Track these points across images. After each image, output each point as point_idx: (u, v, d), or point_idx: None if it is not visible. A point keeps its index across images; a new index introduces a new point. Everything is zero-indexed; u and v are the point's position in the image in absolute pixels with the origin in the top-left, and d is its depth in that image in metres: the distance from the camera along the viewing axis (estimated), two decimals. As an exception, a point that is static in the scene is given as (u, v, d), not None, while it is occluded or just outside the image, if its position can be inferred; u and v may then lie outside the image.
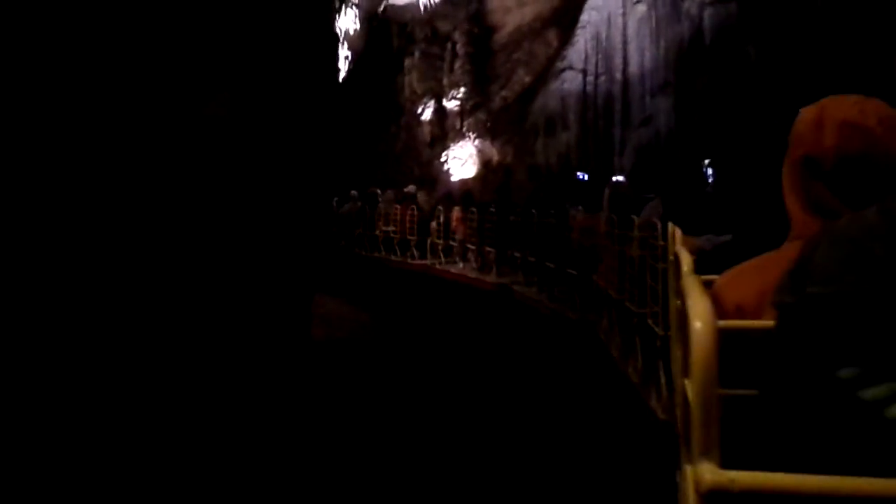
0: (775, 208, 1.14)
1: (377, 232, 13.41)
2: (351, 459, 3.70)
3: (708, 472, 0.65)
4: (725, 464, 0.69)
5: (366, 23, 19.79)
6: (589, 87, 15.34)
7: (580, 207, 6.75)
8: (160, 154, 3.18)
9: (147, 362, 3.05)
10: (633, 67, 14.64)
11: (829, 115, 1.03)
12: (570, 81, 15.65)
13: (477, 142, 17.50)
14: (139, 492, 2.84)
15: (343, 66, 21.74)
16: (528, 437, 5.09)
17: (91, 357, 2.87)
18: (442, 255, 11.62)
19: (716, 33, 12.26)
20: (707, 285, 1.09)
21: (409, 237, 12.36)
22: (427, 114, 18.80)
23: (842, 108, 1.03)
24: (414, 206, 12.88)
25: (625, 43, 14.78)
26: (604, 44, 15.16)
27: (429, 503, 3.30)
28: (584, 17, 15.50)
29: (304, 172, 4.23)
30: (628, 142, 14.38)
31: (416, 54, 18.99)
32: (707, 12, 12.50)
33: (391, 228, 13.03)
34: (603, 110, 15.08)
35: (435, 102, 18.60)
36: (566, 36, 16.10)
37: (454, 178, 17.46)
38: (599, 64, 15.31)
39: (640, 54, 14.39)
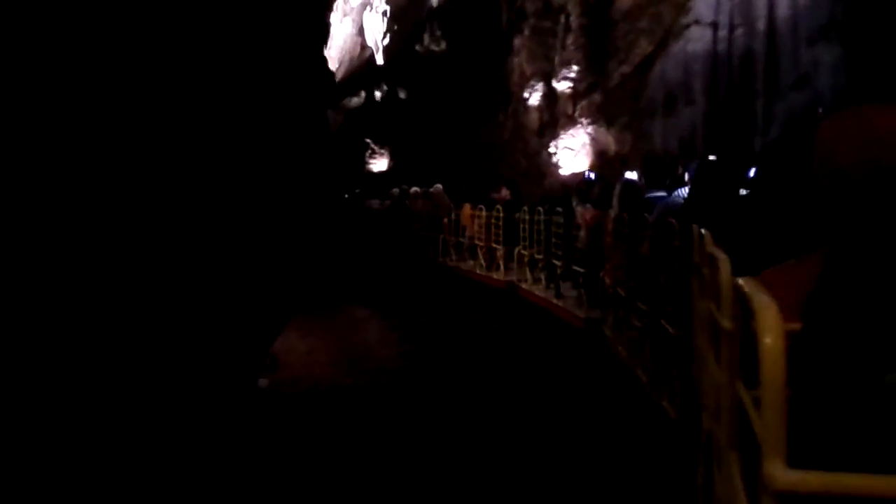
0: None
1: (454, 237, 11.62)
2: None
3: (780, 472, 0.68)
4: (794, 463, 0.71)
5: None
6: (721, 46, 11.88)
7: (588, 205, 6.75)
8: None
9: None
10: (783, 9, 11.16)
11: (856, 127, 1.01)
12: (697, 40, 12.13)
13: (590, 128, 15.00)
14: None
15: (440, 48, 20.94)
16: (538, 433, 5.13)
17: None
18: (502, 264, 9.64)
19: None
20: None
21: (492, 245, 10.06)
22: (535, 98, 16.60)
23: (870, 120, 1.04)
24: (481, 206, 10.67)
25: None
26: (742, -17, 11.51)
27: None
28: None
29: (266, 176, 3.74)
30: (775, 114, 11.14)
31: (527, 31, 16.89)
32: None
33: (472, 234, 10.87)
34: (739, 74, 11.62)
35: (544, 85, 16.33)
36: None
37: (563, 172, 15.08)
38: (735, 12, 11.76)
39: (793, -11, 10.73)
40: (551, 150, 15.64)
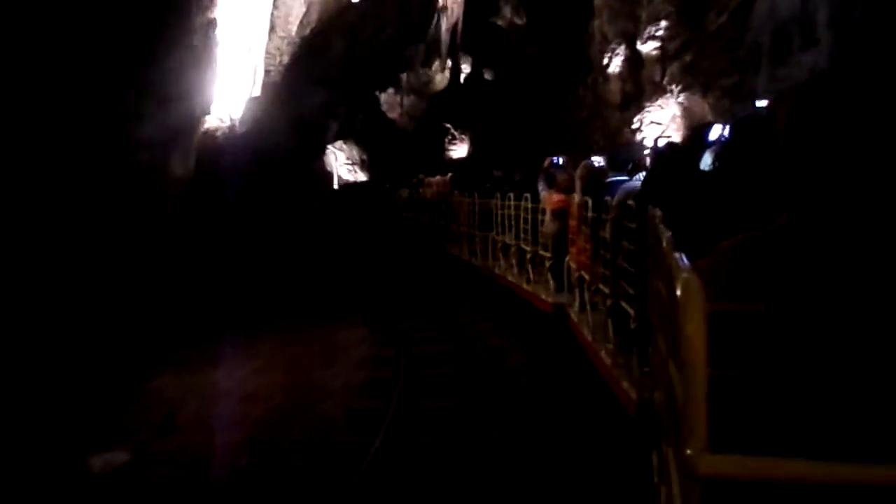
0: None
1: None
2: None
3: (699, 456, 0.64)
4: (712, 445, 0.68)
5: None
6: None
7: (553, 190, 6.76)
8: None
9: None
10: None
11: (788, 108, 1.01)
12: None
13: (682, 96, 12.52)
14: None
15: (522, 21, 19.18)
16: (507, 413, 5.12)
17: None
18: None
19: None
20: None
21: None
22: (616, 64, 14.32)
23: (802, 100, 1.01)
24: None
25: None
26: None
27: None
28: None
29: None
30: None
31: (610, -11, 14.51)
32: None
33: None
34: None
35: (627, 48, 13.97)
36: None
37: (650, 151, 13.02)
38: None
39: None
40: (635, 125, 13.32)
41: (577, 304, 5.50)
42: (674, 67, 12.68)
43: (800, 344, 0.78)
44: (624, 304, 4.14)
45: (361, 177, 22.20)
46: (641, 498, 1.63)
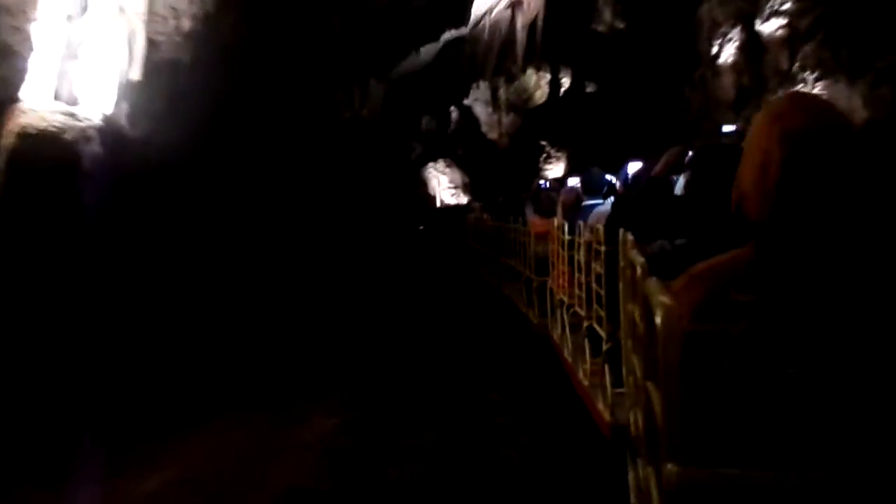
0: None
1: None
2: None
3: (674, 471, 0.68)
4: (690, 461, 0.72)
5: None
6: None
7: (537, 214, 6.95)
8: None
9: None
10: None
11: (779, 124, 1.03)
12: None
13: (820, 85, 9.52)
14: None
15: (622, 24, 16.29)
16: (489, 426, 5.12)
17: None
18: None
19: None
20: None
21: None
22: (729, 53, 11.54)
23: (792, 116, 1.04)
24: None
25: None
26: None
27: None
28: None
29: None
30: None
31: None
32: None
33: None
34: None
35: (743, 31, 11.22)
36: None
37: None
38: None
39: None
40: (756, 127, 10.73)
41: (559, 326, 5.56)
42: (808, 49, 9.74)
43: (783, 357, 0.83)
44: (595, 325, 4.20)
45: (464, 199, 21.09)
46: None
